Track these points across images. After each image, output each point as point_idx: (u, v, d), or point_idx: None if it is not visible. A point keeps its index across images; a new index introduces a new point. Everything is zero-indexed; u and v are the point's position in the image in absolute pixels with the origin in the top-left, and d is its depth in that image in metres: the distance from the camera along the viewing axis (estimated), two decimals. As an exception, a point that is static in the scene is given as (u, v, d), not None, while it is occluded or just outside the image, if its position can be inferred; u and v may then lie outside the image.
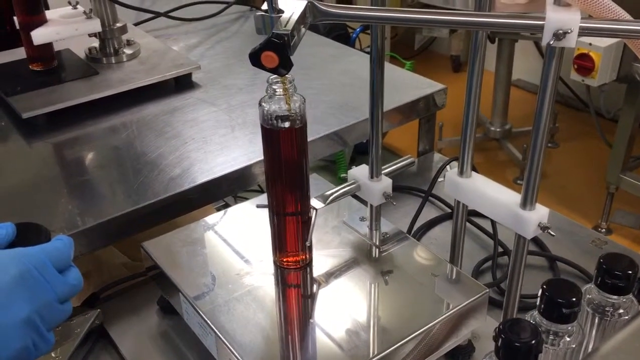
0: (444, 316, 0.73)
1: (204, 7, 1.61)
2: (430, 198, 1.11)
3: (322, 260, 0.83)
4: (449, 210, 1.10)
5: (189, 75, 1.27)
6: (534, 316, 0.68)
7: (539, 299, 0.66)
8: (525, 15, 0.60)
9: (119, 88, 1.19)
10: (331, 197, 0.82)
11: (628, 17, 0.58)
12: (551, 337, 0.67)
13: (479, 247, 1.03)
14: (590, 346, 0.73)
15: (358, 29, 2.73)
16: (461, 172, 0.78)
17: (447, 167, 1.12)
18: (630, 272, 0.68)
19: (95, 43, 1.30)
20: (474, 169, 0.79)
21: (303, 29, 0.64)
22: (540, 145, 0.66)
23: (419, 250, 0.86)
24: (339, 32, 2.62)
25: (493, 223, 1.04)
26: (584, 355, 0.70)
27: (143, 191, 0.95)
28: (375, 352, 0.69)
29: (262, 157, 0.79)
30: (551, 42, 0.58)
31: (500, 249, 1.01)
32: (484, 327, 0.80)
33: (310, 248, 0.81)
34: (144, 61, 1.29)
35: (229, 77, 1.30)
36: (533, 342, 0.58)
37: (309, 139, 0.76)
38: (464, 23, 0.65)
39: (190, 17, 1.57)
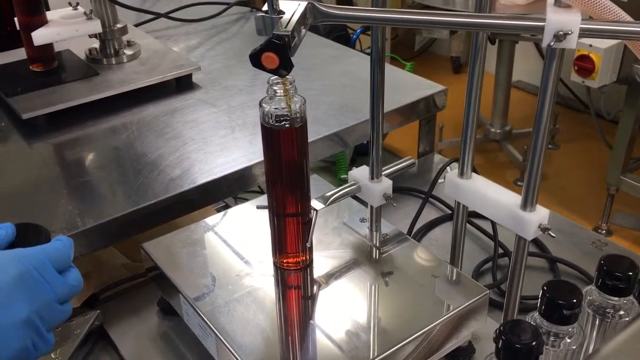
0: (445, 317, 0.73)
1: (205, 8, 1.61)
2: (430, 199, 1.11)
3: (322, 261, 0.83)
4: (449, 212, 1.10)
5: (189, 76, 1.27)
6: (534, 317, 0.68)
7: (539, 300, 0.66)
8: (525, 17, 0.60)
9: (119, 89, 1.19)
10: (331, 198, 0.82)
11: (628, 18, 0.58)
12: (552, 338, 0.67)
13: (479, 249, 1.03)
14: (591, 348, 0.73)
15: (358, 30, 2.73)
16: (461, 174, 0.78)
17: (448, 168, 1.12)
18: (630, 273, 0.68)
19: (96, 44, 1.30)
20: (474, 170, 0.79)
21: (303, 30, 0.64)
22: (540, 147, 0.66)
23: (419, 251, 0.85)
24: (340, 33, 2.62)
25: (493, 224, 1.04)
26: (585, 357, 0.70)
27: (143, 192, 0.95)
28: (376, 354, 0.69)
29: (262, 158, 0.79)
30: (551, 44, 0.58)
31: (500, 250, 1.01)
32: (484, 329, 0.79)
33: (310, 249, 0.81)
34: (145, 62, 1.29)
35: (229, 78, 1.30)
36: (534, 343, 0.58)
37: (309, 140, 0.76)
38: (465, 24, 0.65)
39: (191, 18, 1.57)
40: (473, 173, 0.79)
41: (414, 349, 0.71)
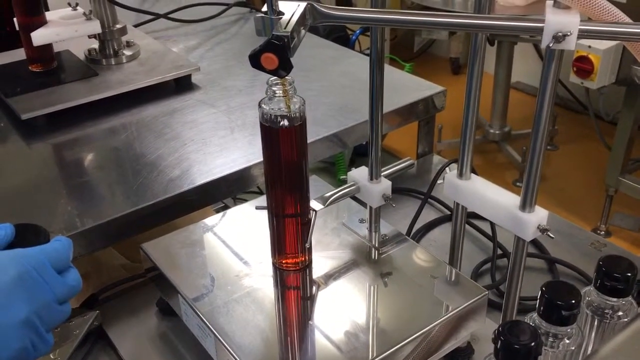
0: (443, 318, 0.73)
1: (204, 9, 1.61)
2: (429, 200, 1.11)
3: (322, 262, 0.83)
4: (448, 212, 1.10)
5: (188, 76, 1.27)
6: (533, 318, 0.68)
7: (538, 301, 0.66)
8: (524, 18, 0.60)
9: (118, 89, 1.19)
10: (330, 199, 0.82)
11: (627, 19, 0.58)
12: (550, 339, 0.67)
13: (478, 249, 1.03)
14: (590, 348, 0.73)
15: (358, 31, 2.73)
16: (460, 174, 0.78)
17: (447, 169, 1.12)
18: (629, 274, 0.68)
19: (95, 44, 1.30)
20: (473, 171, 0.79)
21: (303, 31, 0.64)
22: (539, 148, 0.66)
23: (418, 252, 0.85)
24: (339, 34, 2.62)
25: (492, 225, 1.04)
26: (583, 358, 0.70)
27: (142, 192, 0.95)
28: (374, 354, 0.69)
29: (261, 159, 0.79)
30: (550, 45, 0.58)
31: (499, 251, 1.01)
32: (483, 329, 0.80)
33: (309, 250, 0.81)
34: (144, 62, 1.29)
35: (228, 79, 1.30)
36: (532, 344, 0.58)
37: (308, 141, 0.76)
38: (464, 25, 0.66)
39: (190, 18, 1.57)
40: (472, 174, 0.79)
41: (412, 349, 0.71)
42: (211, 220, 0.93)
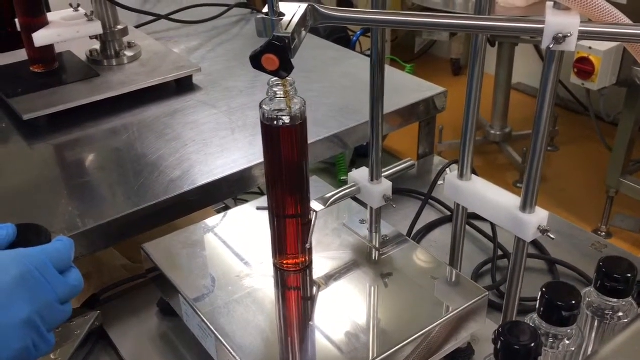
0: (444, 319, 0.73)
1: (205, 10, 1.61)
2: (430, 201, 1.11)
3: (322, 262, 0.83)
4: (449, 213, 1.10)
5: (189, 77, 1.28)
6: (533, 319, 0.68)
7: (538, 302, 0.66)
8: (525, 19, 0.60)
9: (119, 90, 1.19)
10: (331, 200, 0.82)
11: (628, 20, 0.58)
12: (550, 340, 0.67)
13: (479, 250, 1.03)
14: (590, 349, 0.73)
15: (358, 32, 2.73)
16: (461, 175, 0.78)
17: (447, 170, 1.12)
18: (629, 275, 0.68)
19: (97, 45, 1.30)
20: (473, 172, 0.79)
21: (304, 32, 0.64)
22: (540, 149, 0.66)
23: (419, 253, 0.86)
24: (340, 35, 2.62)
25: (493, 226, 1.04)
26: (583, 359, 0.70)
27: (143, 193, 0.95)
28: (375, 355, 0.69)
29: (262, 160, 0.79)
30: (551, 46, 0.58)
31: (500, 252, 1.01)
32: (483, 330, 0.80)
33: (310, 250, 0.81)
34: (145, 63, 1.29)
35: (229, 80, 1.30)
36: (532, 345, 0.58)
37: (309, 142, 0.76)
38: (464, 26, 0.66)
39: (192, 19, 1.57)
40: (473, 175, 0.79)
41: (413, 350, 0.71)
42: (212, 220, 0.93)
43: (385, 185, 0.84)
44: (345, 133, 1.11)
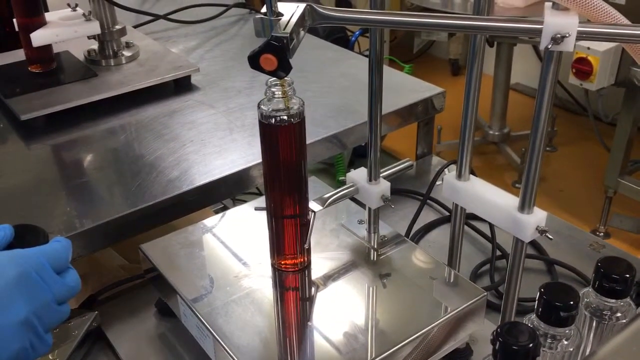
0: (442, 319, 0.73)
1: (203, 10, 1.61)
2: (428, 201, 1.11)
3: (320, 263, 0.83)
4: (447, 214, 1.10)
5: (187, 77, 1.27)
6: (531, 319, 0.68)
7: (536, 302, 0.66)
8: (523, 19, 0.60)
9: (117, 90, 1.19)
10: (329, 200, 0.82)
11: (626, 21, 0.58)
12: (549, 340, 0.67)
13: (477, 251, 1.03)
14: (588, 350, 0.73)
15: (357, 32, 2.72)
16: (459, 176, 0.78)
17: (446, 170, 1.12)
18: (627, 275, 0.68)
19: (95, 45, 1.30)
20: (472, 172, 0.79)
21: (302, 32, 0.64)
22: (538, 149, 0.66)
23: (417, 253, 0.86)
24: (338, 35, 2.62)
25: (491, 226, 1.04)
26: (582, 359, 0.70)
27: (141, 193, 0.95)
28: (373, 355, 0.69)
29: (260, 160, 0.79)
30: (549, 46, 0.58)
31: (498, 253, 1.01)
32: (481, 331, 0.80)
33: (308, 251, 0.81)
34: (143, 63, 1.29)
35: (227, 80, 1.30)
36: (531, 345, 0.58)
37: (307, 142, 0.76)
38: (463, 27, 0.66)
39: (190, 19, 1.57)
40: (471, 175, 0.79)
41: (411, 350, 0.71)
42: (210, 221, 0.93)
43: (384, 186, 0.84)
44: (344, 133, 1.11)
